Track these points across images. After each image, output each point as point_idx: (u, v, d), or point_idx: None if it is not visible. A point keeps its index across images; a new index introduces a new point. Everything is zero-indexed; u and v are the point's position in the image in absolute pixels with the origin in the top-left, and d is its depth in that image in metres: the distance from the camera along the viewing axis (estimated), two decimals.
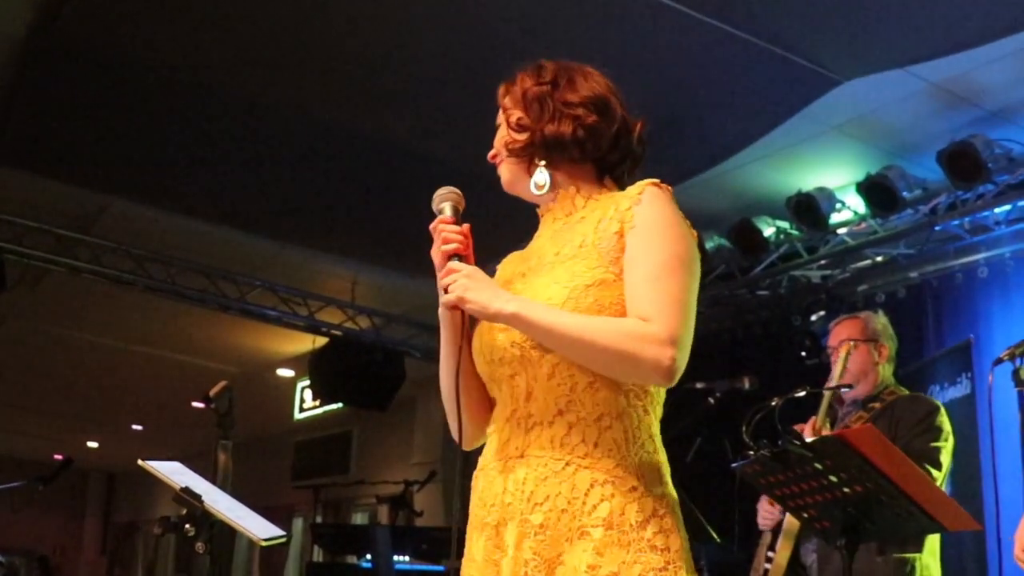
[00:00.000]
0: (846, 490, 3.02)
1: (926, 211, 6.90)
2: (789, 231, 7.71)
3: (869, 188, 6.80)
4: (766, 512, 4.51)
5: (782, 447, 3.07)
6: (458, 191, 2.27)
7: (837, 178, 7.15)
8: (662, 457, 2.15)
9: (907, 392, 4.47)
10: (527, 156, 2.31)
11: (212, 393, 4.18)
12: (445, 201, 2.25)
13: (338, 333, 10.19)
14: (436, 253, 2.23)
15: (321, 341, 10.49)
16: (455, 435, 2.27)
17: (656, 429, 2.16)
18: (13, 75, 6.56)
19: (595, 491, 2.04)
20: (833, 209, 7.19)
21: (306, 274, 9.66)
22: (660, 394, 2.19)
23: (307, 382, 12.45)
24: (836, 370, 4.35)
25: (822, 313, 7.55)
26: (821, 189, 7.12)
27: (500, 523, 2.12)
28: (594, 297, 2.09)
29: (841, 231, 7.44)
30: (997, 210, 6.64)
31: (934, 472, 4.00)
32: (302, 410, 14.22)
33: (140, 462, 3.76)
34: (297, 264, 9.43)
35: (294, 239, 8.92)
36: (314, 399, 12.99)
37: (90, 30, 5.91)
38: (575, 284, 2.11)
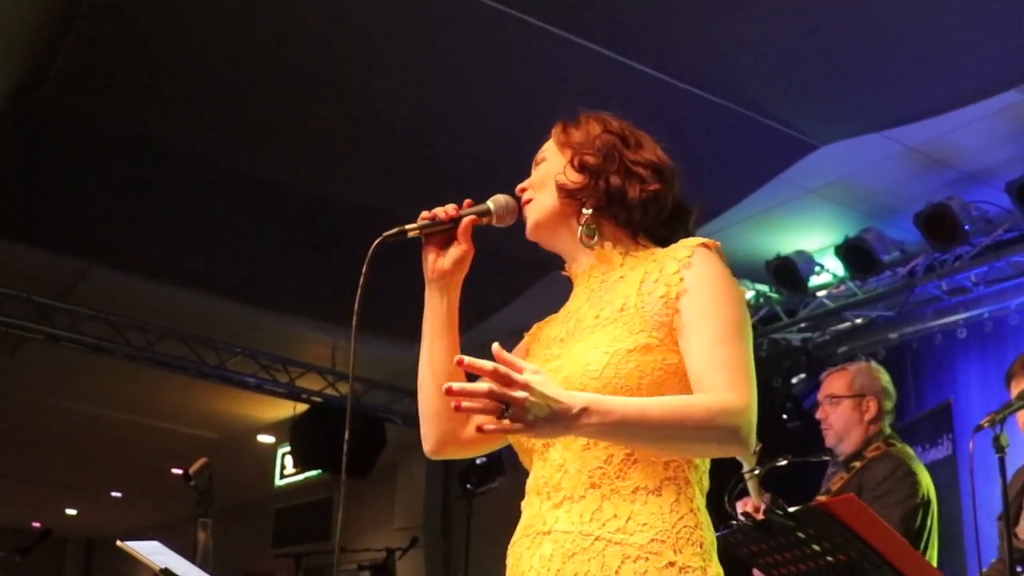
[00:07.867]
0: (829, 559, 2.99)
1: (904, 273, 6.95)
2: (769, 294, 7.73)
3: (847, 251, 6.84)
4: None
5: (764, 516, 3.05)
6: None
7: (815, 241, 7.20)
8: (707, 532, 2.00)
9: (896, 446, 4.19)
10: (578, 200, 2.19)
11: (192, 471, 4.13)
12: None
13: (319, 399, 10.12)
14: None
15: (302, 407, 10.42)
16: (424, 439, 2.25)
17: (700, 502, 2.02)
18: None
19: (626, 567, 1.89)
20: (812, 272, 7.24)
21: (286, 341, 9.62)
22: (706, 464, 2.08)
23: (288, 448, 12.36)
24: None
25: (803, 376, 7.57)
26: (800, 252, 7.16)
27: None
28: (636, 363, 1.97)
29: (820, 294, 7.48)
30: (975, 271, 6.69)
31: None
32: (282, 476, 14.12)
33: (119, 543, 3.72)
34: (277, 331, 9.39)
35: (274, 306, 8.89)
36: (295, 466, 12.88)
37: (69, 99, 5.93)
38: (616, 348, 1.99)
